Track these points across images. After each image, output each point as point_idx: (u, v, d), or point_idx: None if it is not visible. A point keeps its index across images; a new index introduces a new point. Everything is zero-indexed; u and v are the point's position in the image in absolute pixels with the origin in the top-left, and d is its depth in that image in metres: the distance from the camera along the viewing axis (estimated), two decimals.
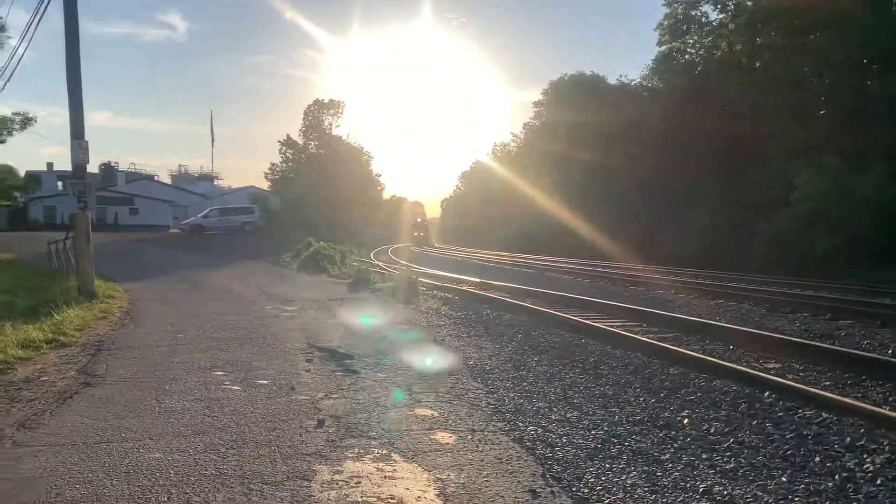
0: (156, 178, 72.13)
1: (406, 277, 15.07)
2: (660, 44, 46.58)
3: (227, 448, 4.56)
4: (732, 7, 42.06)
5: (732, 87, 36.43)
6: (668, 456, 4.60)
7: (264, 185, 64.13)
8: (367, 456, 4.48)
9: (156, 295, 13.95)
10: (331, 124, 61.86)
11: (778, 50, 36.08)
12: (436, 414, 5.54)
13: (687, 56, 45.71)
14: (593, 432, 5.14)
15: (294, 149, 61.71)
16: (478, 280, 17.73)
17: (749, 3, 40.03)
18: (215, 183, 78.74)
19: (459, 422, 5.34)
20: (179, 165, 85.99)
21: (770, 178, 30.92)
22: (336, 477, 4.07)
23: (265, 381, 6.48)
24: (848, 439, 4.74)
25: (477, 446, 4.76)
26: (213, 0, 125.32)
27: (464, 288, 15.66)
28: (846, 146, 27.19)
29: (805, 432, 4.95)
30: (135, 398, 5.82)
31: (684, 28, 45.02)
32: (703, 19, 44.25)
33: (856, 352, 7.68)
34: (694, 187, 35.86)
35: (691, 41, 45.61)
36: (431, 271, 21.14)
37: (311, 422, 5.20)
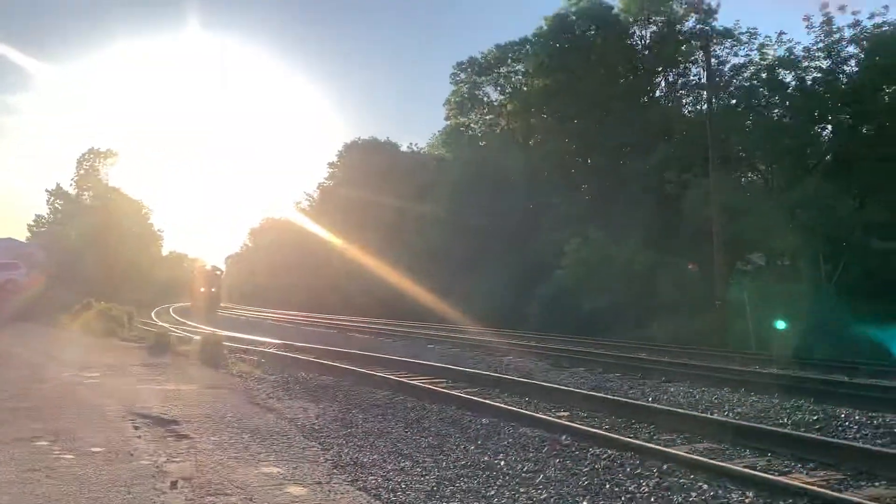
0: None
1: (210, 340, 14.90)
2: (447, 118, 50.12)
3: None
4: (510, 90, 46.59)
5: (511, 161, 40.06)
6: (493, 492, 5.45)
7: (23, 236, 58.17)
8: None
9: None
10: (107, 174, 58.13)
11: (548, 131, 40.60)
12: (281, 471, 5.95)
13: (471, 131, 49.56)
14: (427, 477, 5.86)
15: (65, 199, 56.98)
16: (280, 342, 17.89)
17: (524, 88, 44.68)
18: None
19: (305, 476, 5.81)
20: None
21: (543, 247, 34.30)
22: None
23: (99, 449, 6.43)
24: (628, 469, 5.93)
25: (328, 496, 5.29)
26: None
27: (270, 350, 15.80)
28: (606, 219, 31.15)
29: (596, 466, 6.07)
30: None
31: (469, 105, 48.86)
32: (485, 98, 48.41)
33: (624, 399, 9.23)
34: (480, 251, 38.59)
35: (475, 117, 49.58)
36: (231, 333, 20.82)
37: (164, 484, 5.38)
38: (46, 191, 56.61)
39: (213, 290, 48.76)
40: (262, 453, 6.54)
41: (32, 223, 57.06)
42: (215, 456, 6.34)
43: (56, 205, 56.82)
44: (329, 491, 5.40)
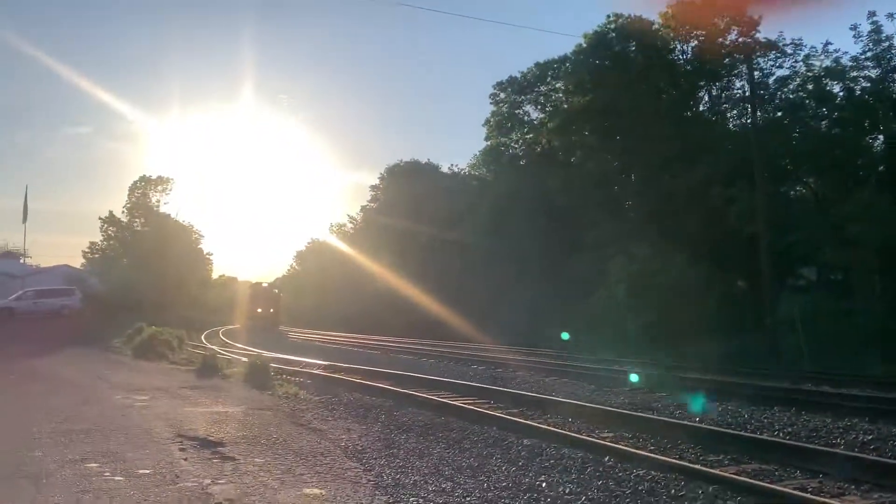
0: None
1: (257, 363, 15.13)
2: (487, 138, 50.33)
3: None
4: (550, 108, 46.57)
5: (551, 180, 39.94)
6: None
7: (77, 263, 60.00)
8: None
9: None
10: (158, 201, 59.66)
11: (590, 149, 40.43)
12: (324, 492, 6.00)
13: (511, 150, 49.63)
14: (468, 499, 5.84)
15: (117, 226, 58.62)
16: (326, 363, 18.05)
17: (565, 106, 44.62)
18: (23, 261, 72.25)
19: (347, 498, 5.84)
20: None
21: (586, 266, 33.98)
22: None
23: (147, 471, 6.58)
24: (672, 490, 5.81)
25: None
26: (24, 65, 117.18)
27: (315, 371, 15.96)
28: (651, 236, 30.74)
29: (640, 487, 5.97)
30: (17, 495, 5.75)
31: (508, 125, 49.00)
32: (525, 117, 48.48)
33: (671, 419, 9.06)
34: (521, 271, 38.45)
35: (515, 136, 49.64)
36: (277, 355, 21.09)
37: None
38: (100, 218, 58.36)
39: (271, 310, 49.35)
40: (306, 475, 6.61)
41: (87, 250, 58.85)
42: (259, 477, 6.43)
43: (109, 231, 58.48)
44: None
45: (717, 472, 6.20)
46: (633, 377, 14.18)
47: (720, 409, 10.47)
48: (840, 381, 13.93)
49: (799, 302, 23.01)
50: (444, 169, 56.63)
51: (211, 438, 8.25)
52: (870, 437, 8.08)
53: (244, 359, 17.24)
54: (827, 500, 5.38)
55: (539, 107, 47.43)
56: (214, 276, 72.10)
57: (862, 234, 23.00)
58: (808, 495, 5.44)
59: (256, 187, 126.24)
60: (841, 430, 8.51)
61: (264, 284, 55.76)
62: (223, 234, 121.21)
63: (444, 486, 6.26)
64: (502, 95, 48.09)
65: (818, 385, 13.52)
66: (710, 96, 38.12)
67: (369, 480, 6.45)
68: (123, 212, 59.01)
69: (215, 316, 56.18)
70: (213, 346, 26.04)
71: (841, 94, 28.57)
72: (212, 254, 67.09)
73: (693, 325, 24.21)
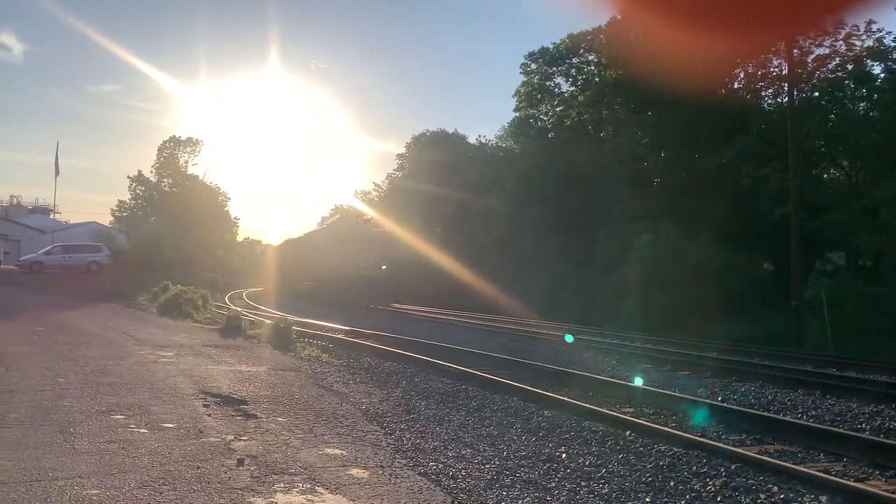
0: None
1: (280, 325, 15.26)
2: (516, 109, 49.71)
3: (160, 484, 4.85)
4: (581, 81, 45.89)
5: (580, 154, 39.53)
6: (553, 484, 5.41)
7: (106, 220, 60.88)
8: (294, 489, 4.94)
9: (15, 337, 13.26)
10: (187, 162, 60.02)
11: (620, 123, 39.84)
12: (344, 453, 6.06)
13: (540, 122, 49.08)
14: (487, 466, 5.86)
15: (146, 185, 59.20)
16: (348, 328, 18.16)
17: (597, 79, 43.93)
18: (52, 217, 73.42)
19: (368, 459, 5.90)
20: (11, 196, 79.30)
21: (611, 241, 33.75)
22: None
23: (171, 425, 6.68)
24: (694, 467, 5.78)
25: (389, 480, 5.35)
26: (51, 22, 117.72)
27: (338, 336, 16.06)
28: (678, 214, 30.38)
29: (661, 463, 5.94)
30: (45, 441, 5.86)
31: (538, 97, 48.37)
32: (556, 90, 47.82)
33: (692, 397, 9.00)
34: (546, 244, 38.29)
35: (545, 108, 49.03)
36: (301, 318, 21.27)
37: (231, 461, 5.54)
38: (128, 177, 58.97)
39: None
40: (326, 435, 6.67)
41: (115, 208, 59.61)
42: (281, 436, 6.50)
43: (137, 191, 59.10)
44: (390, 475, 5.46)
45: (739, 450, 6.14)
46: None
47: (743, 389, 10.39)
48: (865, 367, 13.73)
49: (826, 286, 22.66)
50: (472, 140, 56.26)
51: (234, 396, 8.35)
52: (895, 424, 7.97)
53: (267, 321, 17.40)
54: (850, 482, 5.31)
55: (570, 79, 46.70)
56: (240, 239, 72.77)
57: (895, 220, 22.53)
58: (833, 477, 5.38)
59: (283, 153, 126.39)
60: (867, 416, 8.40)
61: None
62: (249, 197, 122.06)
63: (463, 452, 6.28)
64: (533, 66, 47.35)
65: (842, 370, 13.34)
66: (745, 74, 37.28)
67: (389, 444, 6.49)
68: (152, 171, 59.53)
69: (240, 278, 56.71)
70: (237, 308, 26.31)
71: (882, 75, 27.78)
72: (238, 218, 67.60)
73: (717, 306, 23.97)
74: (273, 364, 11.41)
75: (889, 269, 24.54)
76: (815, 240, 26.35)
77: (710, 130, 32.47)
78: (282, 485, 5.02)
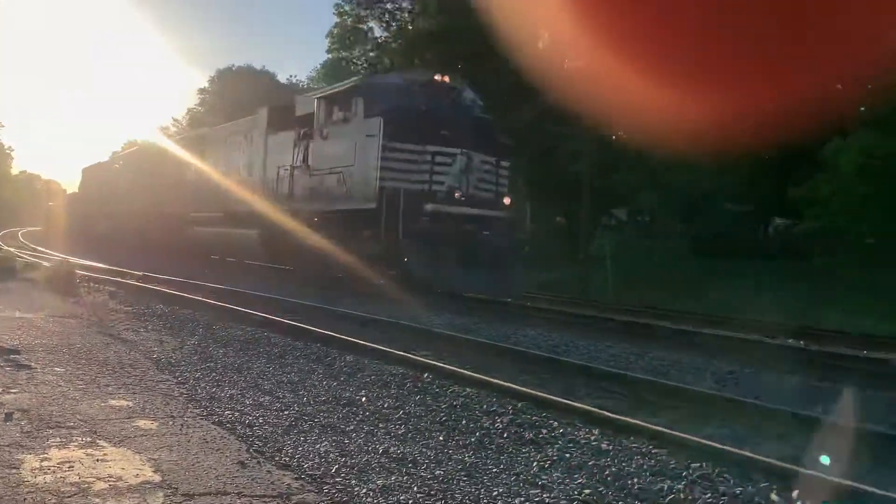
0: None
1: (61, 267, 13.98)
2: (329, 51, 48.53)
3: None
4: (395, 27, 45.56)
5: None
6: (351, 427, 5.48)
7: None
8: (72, 444, 4.58)
9: None
10: None
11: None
12: (131, 404, 5.71)
13: (353, 66, 48.25)
14: (286, 413, 5.81)
15: None
16: (140, 273, 17.04)
17: (409, 28, 43.81)
18: None
19: (157, 410, 5.60)
20: None
21: None
22: (45, 464, 4.15)
23: None
24: (485, 406, 6.13)
25: (180, 430, 5.12)
26: None
27: (128, 281, 15.01)
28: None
29: (455, 403, 6.24)
30: None
31: (351, 39, 47.42)
32: (370, 34, 47.13)
33: (484, 340, 9.54)
34: None
35: (357, 52, 48.21)
36: (86, 262, 19.58)
37: None
38: None
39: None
40: (111, 386, 6.24)
41: None
42: (59, 388, 5.98)
43: None
44: (182, 425, 5.23)
45: (525, 389, 6.60)
46: None
47: (532, 332, 11.15)
48: (637, 312, 15.31)
49: (609, 240, 24.84)
50: (282, 79, 54.24)
51: (4, 345, 7.54)
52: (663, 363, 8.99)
53: (47, 263, 15.84)
54: (620, 416, 5.91)
55: (384, 24, 46.24)
56: (14, 171, 65.25)
57: (671, 181, 25.09)
58: (604, 412, 5.95)
59: (73, 80, 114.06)
60: (636, 356, 9.38)
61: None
62: (29, 129, 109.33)
63: (261, 400, 6.17)
64: (347, 7, 46.28)
65: (619, 314, 14.75)
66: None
67: (182, 393, 6.21)
68: None
69: (14, 216, 51.00)
70: (10, 248, 23.68)
71: None
72: (12, 148, 60.42)
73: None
74: (52, 310, 10.44)
75: (661, 226, 27.39)
76: (604, 197, 28.62)
77: (517, 87, 33.82)
78: (57, 439, 4.62)
